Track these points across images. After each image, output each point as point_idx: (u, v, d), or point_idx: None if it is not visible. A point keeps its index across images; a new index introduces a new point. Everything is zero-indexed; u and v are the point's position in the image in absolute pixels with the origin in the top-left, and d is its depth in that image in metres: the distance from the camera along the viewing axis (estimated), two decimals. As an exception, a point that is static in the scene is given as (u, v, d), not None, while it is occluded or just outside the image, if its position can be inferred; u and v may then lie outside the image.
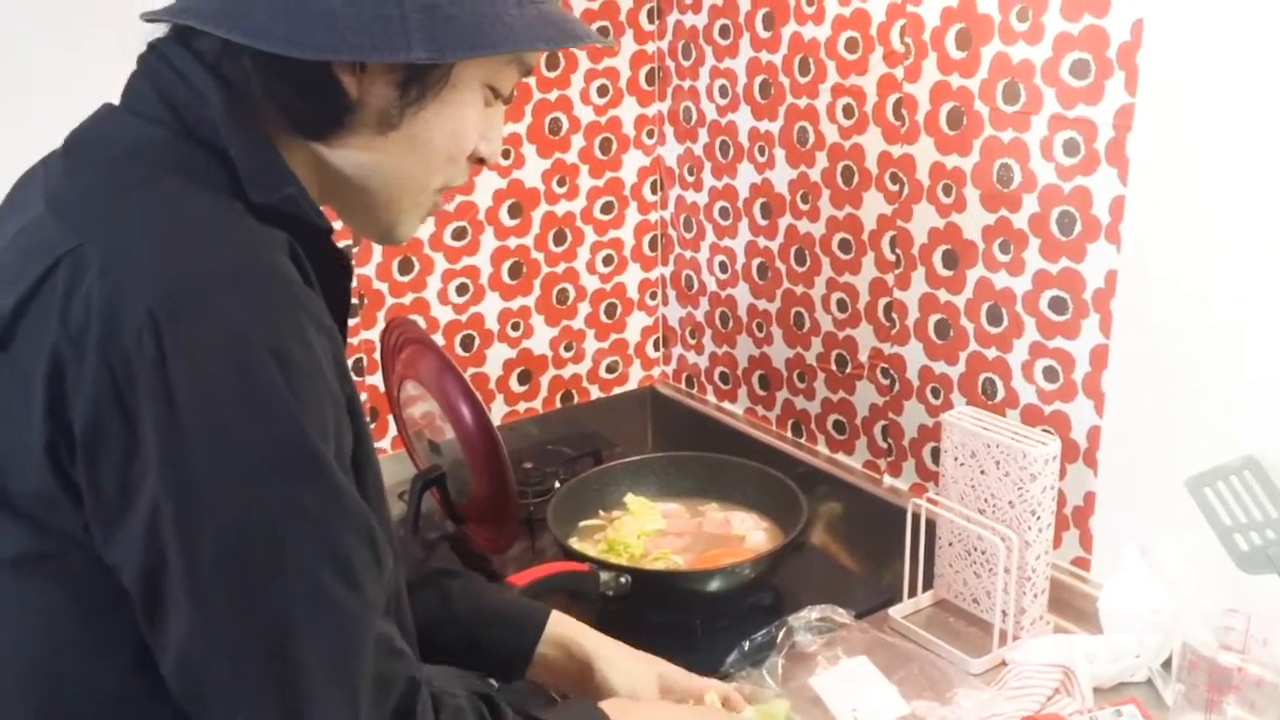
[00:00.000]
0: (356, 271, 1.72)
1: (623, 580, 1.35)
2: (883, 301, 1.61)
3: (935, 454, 1.55)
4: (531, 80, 1.79)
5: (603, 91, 1.86)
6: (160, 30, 0.86)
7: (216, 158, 0.80)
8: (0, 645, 0.79)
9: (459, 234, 1.80)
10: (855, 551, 1.65)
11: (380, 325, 1.73)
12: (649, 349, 2.05)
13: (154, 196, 0.78)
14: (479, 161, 0.92)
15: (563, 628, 1.15)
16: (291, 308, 0.75)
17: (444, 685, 0.90)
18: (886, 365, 1.63)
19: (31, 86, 1.38)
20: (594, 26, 1.82)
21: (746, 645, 1.32)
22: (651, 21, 1.88)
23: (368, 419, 0.93)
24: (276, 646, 0.74)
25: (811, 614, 1.37)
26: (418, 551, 1.27)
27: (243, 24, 0.79)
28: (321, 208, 0.88)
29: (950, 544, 1.44)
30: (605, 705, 1.04)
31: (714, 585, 1.40)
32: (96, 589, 0.76)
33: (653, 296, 2.02)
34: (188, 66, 0.82)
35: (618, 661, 1.14)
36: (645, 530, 1.54)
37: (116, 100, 0.86)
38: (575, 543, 1.50)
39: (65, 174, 0.82)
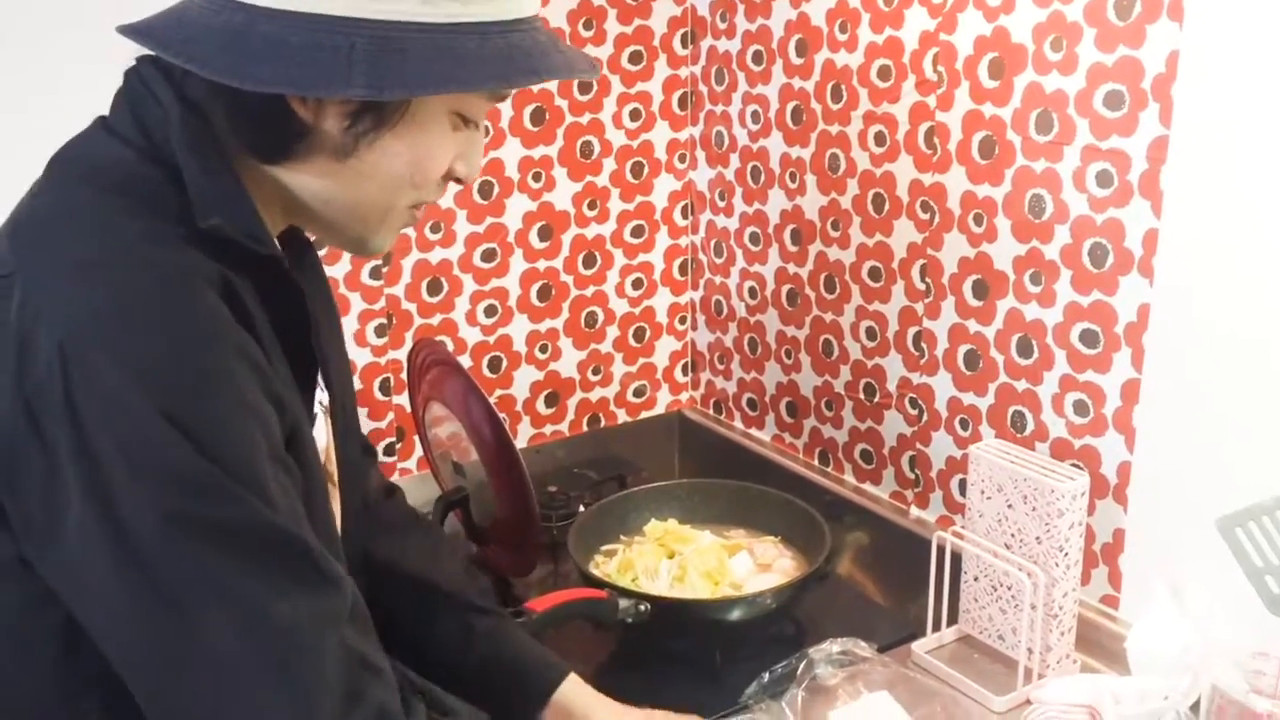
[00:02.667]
0: (386, 291, 1.72)
1: (642, 608, 1.34)
2: (912, 330, 1.60)
3: (963, 486, 1.53)
4: (564, 103, 1.79)
5: (635, 115, 1.86)
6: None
7: (175, 180, 0.81)
8: None
9: (488, 255, 1.80)
10: (880, 583, 1.63)
11: (408, 345, 1.74)
12: (677, 374, 2.04)
13: (86, 224, 0.79)
14: (456, 180, 0.91)
15: (572, 696, 1.14)
16: (199, 338, 0.75)
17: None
18: (915, 395, 1.62)
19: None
20: (627, 51, 1.82)
21: (766, 677, 1.30)
22: (685, 46, 1.88)
23: (318, 437, 0.94)
24: (206, 654, 0.75)
25: (833, 646, 1.35)
26: (478, 580, 1.27)
27: (190, 48, 0.79)
28: (292, 224, 0.90)
29: (976, 578, 1.42)
30: None
31: (735, 614, 1.38)
32: (19, 587, 0.78)
33: (682, 321, 2.02)
34: (158, 85, 0.83)
35: None
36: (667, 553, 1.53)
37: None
38: (595, 568, 1.49)
39: (33, 193, 0.84)
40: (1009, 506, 1.36)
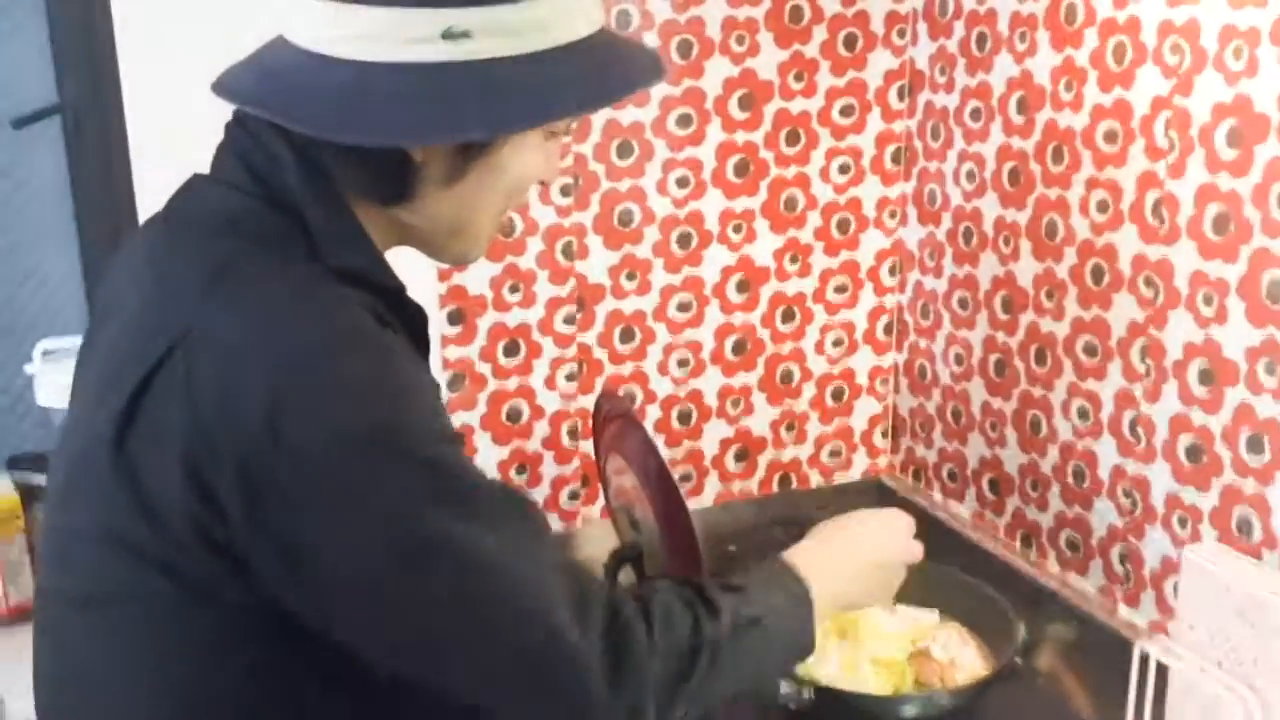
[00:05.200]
0: (578, 338, 1.72)
1: (805, 695, 1.27)
2: (1128, 415, 1.47)
3: (1177, 589, 1.39)
4: (769, 155, 1.75)
5: (844, 169, 1.80)
6: None
7: (298, 224, 0.84)
8: (67, 673, 0.87)
9: (684, 306, 1.77)
10: (1076, 687, 1.49)
11: (597, 392, 1.73)
12: (876, 438, 1.96)
13: (251, 275, 0.82)
14: (542, 183, 0.95)
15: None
16: (393, 356, 0.80)
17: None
18: (1129, 485, 1.48)
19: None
20: (839, 103, 1.77)
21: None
22: (901, 100, 1.80)
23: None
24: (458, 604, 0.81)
25: (1014, 757, 1.24)
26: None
27: (298, 110, 0.82)
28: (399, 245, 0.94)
29: (1183, 695, 1.28)
30: (789, 556, 1.05)
31: (907, 713, 1.29)
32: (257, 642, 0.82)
33: (883, 383, 1.93)
34: (265, 133, 0.85)
35: None
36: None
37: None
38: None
39: (168, 250, 0.87)
40: (1226, 620, 1.22)
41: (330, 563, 0.78)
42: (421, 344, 0.92)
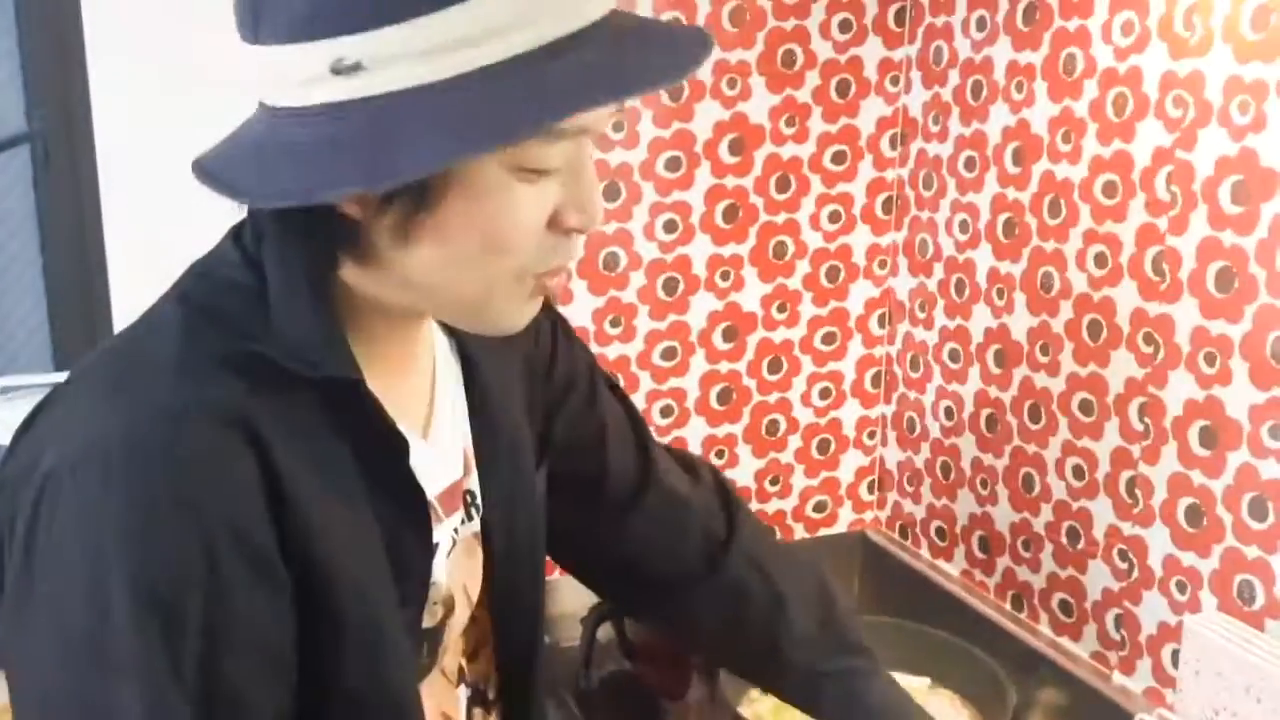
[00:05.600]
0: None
1: (791, 764, 1.22)
2: (1125, 475, 1.43)
3: (1175, 657, 1.34)
4: (759, 201, 1.71)
5: (834, 217, 1.77)
6: None
7: (263, 293, 0.75)
8: None
9: (668, 354, 1.73)
10: (1071, 756, 1.44)
11: (578, 441, 1.68)
12: (862, 491, 1.91)
13: (134, 340, 0.76)
14: (575, 231, 0.76)
15: None
16: (164, 497, 0.67)
17: None
18: (1125, 547, 1.44)
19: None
20: (830, 150, 1.73)
21: None
22: (894, 148, 1.77)
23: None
24: None
25: (1007, 832, 1.19)
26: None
27: (226, 173, 0.71)
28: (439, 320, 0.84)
29: (1184, 770, 1.24)
30: None
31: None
32: None
33: (870, 436, 1.89)
34: None
35: None
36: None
37: None
38: (747, 706, 1.37)
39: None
40: (1227, 692, 1.17)
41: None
42: (384, 444, 0.78)
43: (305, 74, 0.68)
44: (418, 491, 0.80)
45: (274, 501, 0.70)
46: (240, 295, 0.75)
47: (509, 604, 0.94)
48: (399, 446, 0.78)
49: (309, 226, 0.72)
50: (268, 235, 0.75)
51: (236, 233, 0.79)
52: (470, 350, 0.91)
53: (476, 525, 0.91)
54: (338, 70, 0.67)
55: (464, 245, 0.72)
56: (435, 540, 0.84)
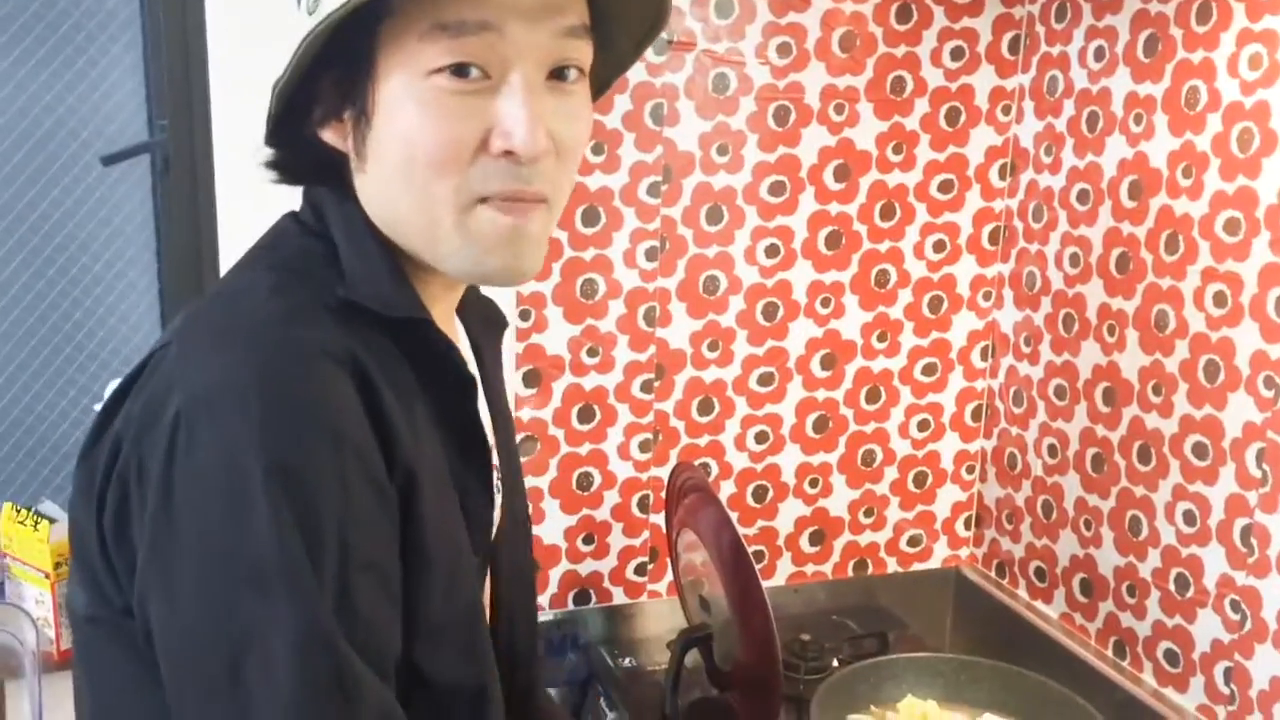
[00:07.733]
0: (655, 406, 1.67)
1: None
2: (1240, 523, 1.37)
3: (1289, 716, 1.29)
4: (862, 228, 1.69)
5: (939, 247, 1.74)
6: None
7: (332, 251, 0.82)
8: (79, 687, 0.84)
9: (765, 380, 1.71)
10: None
11: (672, 464, 1.67)
12: (959, 527, 1.87)
13: (233, 299, 0.80)
14: (504, 154, 0.78)
15: None
16: (300, 422, 0.72)
17: None
18: (1238, 597, 1.38)
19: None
20: (937, 179, 1.71)
21: None
22: (1003, 178, 1.74)
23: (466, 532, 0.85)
24: None
25: None
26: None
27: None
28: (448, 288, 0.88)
29: (1297, 835, 1.18)
30: None
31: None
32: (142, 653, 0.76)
33: (969, 471, 1.85)
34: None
35: None
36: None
37: None
38: (837, 743, 1.34)
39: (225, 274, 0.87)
40: (1348, 757, 1.12)
41: (140, 596, 0.75)
42: (454, 386, 0.84)
43: (297, 7, 0.79)
44: (482, 433, 0.85)
45: (381, 433, 0.75)
46: (315, 258, 0.82)
47: (510, 588, 0.99)
48: (468, 384, 0.84)
49: (302, 154, 0.83)
50: (325, 202, 0.83)
51: (293, 215, 0.86)
52: (474, 336, 0.99)
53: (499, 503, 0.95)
54: (303, 6, 0.79)
55: (392, 158, 0.79)
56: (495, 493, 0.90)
